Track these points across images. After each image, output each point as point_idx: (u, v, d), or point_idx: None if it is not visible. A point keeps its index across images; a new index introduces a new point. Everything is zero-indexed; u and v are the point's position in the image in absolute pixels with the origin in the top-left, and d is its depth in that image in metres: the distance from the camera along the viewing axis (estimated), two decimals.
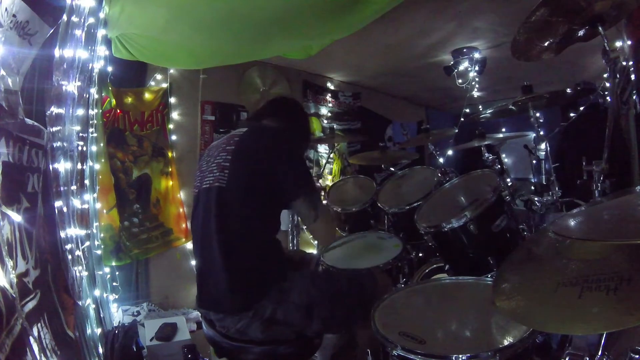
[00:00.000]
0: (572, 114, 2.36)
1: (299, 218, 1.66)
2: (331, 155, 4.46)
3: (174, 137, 3.35)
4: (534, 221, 1.75)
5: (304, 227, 3.00)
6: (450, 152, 3.32)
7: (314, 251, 3.05)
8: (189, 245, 3.28)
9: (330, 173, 4.55)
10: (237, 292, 1.40)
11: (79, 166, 1.99)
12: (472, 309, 1.23)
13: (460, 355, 0.98)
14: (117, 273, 2.85)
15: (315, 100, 4.49)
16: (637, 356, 0.85)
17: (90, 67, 2.06)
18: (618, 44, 2.14)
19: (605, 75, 1.67)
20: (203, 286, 1.52)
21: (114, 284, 2.75)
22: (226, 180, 1.46)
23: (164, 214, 3.24)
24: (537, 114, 2.03)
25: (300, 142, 1.75)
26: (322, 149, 4.51)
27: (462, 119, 4.15)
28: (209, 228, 1.45)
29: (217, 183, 1.47)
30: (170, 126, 3.34)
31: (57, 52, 1.62)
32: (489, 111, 2.25)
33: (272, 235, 1.52)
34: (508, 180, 1.64)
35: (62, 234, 1.67)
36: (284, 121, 1.71)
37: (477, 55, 3.69)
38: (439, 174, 2.22)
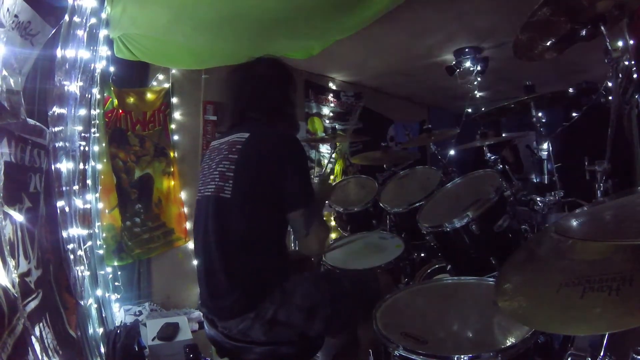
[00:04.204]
0: (574, 114, 2.35)
1: (292, 230, 1.59)
2: (333, 155, 4.46)
3: (175, 137, 3.36)
4: (536, 221, 1.74)
5: (296, 239, 2.92)
6: (452, 152, 3.31)
7: None
8: (191, 245, 3.29)
9: (332, 173, 4.55)
10: (239, 294, 1.40)
11: (81, 166, 1.99)
12: (474, 309, 1.23)
13: (462, 356, 0.98)
14: (119, 273, 2.86)
15: (317, 100, 4.49)
16: None
17: (92, 68, 2.07)
18: (620, 43, 2.13)
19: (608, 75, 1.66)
20: (205, 289, 1.52)
21: (116, 283, 2.76)
22: (231, 190, 1.43)
23: (165, 213, 3.25)
24: (540, 114, 2.02)
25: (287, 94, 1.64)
26: (324, 149, 4.52)
27: (464, 119, 4.14)
28: (212, 234, 1.44)
29: (222, 193, 1.45)
30: (172, 126, 3.35)
31: (59, 53, 1.63)
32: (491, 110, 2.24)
33: (277, 239, 1.50)
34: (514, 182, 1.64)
35: (64, 234, 1.68)
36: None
37: (479, 55, 3.68)
38: (441, 174, 2.22)
